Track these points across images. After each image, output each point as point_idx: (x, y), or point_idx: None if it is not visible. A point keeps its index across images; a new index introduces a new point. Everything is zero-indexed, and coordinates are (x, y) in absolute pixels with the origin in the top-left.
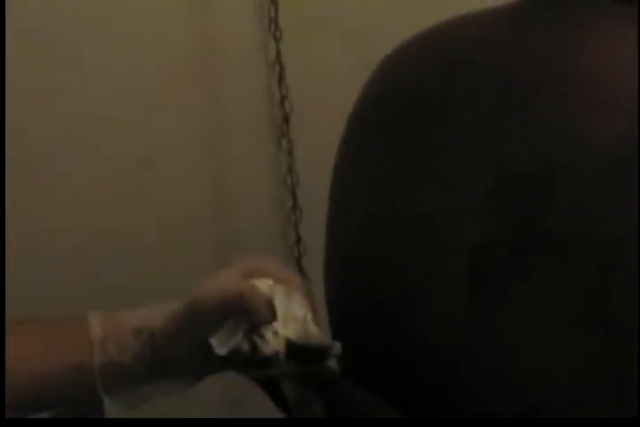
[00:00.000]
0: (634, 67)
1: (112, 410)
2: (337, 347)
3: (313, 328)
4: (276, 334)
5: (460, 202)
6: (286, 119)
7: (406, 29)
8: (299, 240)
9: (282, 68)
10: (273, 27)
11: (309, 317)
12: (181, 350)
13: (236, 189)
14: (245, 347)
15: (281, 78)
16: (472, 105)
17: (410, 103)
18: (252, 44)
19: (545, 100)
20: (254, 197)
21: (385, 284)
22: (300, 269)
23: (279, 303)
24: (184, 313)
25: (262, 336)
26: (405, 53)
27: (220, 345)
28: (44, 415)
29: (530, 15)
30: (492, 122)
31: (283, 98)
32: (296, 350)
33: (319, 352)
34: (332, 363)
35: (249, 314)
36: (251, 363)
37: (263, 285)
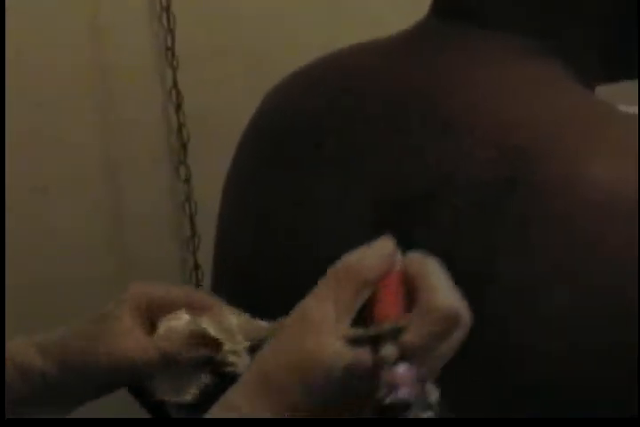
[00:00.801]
0: (514, 99)
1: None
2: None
3: (255, 323)
4: (236, 353)
5: (339, 228)
6: (184, 147)
7: (305, 57)
8: (197, 267)
9: (179, 95)
10: (170, 55)
11: (243, 317)
12: (80, 388)
13: (134, 216)
14: (207, 380)
15: (178, 106)
16: (354, 132)
17: (292, 132)
18: (149, 72)
19: (424, 128)
20: (152, 224)
21: (266, 311)
22: None
23: (215, 332)
24: (98, 370)
25: (229, 363)
26: (295, 82)
27: (182, 394)
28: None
29: (418, 44)
30: (371, 149)
31: (180, 126)
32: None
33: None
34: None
35: (191, 360)
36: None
37: (179, 324)
